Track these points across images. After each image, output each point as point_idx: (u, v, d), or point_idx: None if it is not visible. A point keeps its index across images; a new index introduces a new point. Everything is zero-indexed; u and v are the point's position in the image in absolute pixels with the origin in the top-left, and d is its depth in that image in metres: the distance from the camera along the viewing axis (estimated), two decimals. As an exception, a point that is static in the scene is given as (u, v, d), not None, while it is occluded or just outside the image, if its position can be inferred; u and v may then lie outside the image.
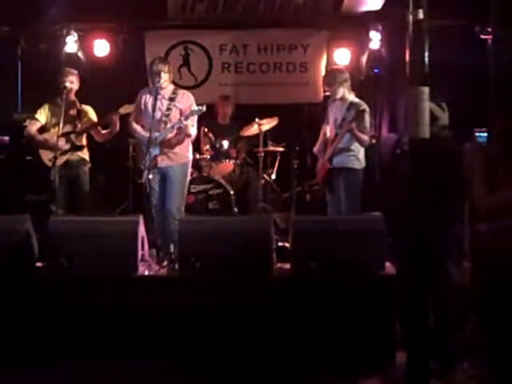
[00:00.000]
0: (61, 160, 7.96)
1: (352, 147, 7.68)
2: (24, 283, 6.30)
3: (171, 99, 7.66)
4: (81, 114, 8.24)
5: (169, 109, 7.62)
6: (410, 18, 5.38)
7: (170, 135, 7.56)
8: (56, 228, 6.41)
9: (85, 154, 8.31)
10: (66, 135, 8.04)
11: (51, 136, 8.06)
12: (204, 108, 7.54)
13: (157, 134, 7.48)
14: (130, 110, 7.90)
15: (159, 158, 7.53)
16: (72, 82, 8.19)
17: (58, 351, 6.07)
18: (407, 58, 5.37)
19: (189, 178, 7.92)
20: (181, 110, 7.63)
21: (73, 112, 8.19)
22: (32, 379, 5.80)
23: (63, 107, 7.91)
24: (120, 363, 5.94)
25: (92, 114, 8.35)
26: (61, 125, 7.83)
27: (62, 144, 7.98)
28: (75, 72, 8.35)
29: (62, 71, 8.27)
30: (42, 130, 8.26)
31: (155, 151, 7.49)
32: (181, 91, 7.82)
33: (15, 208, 9.37)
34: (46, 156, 8.08)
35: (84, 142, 8.29)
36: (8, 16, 9.77)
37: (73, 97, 8.26)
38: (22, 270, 6.35)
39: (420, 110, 5.21)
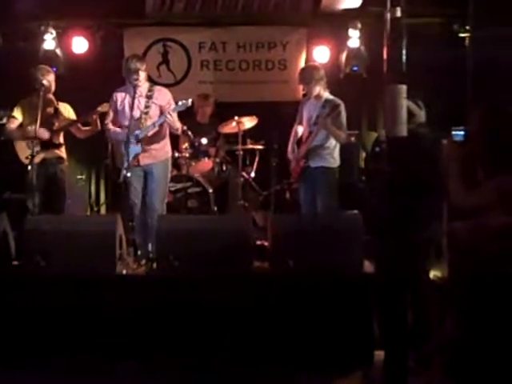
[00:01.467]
0: (37, 158, 7.90)
1: (327, 144, 7.65)
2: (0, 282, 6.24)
3: (148, 97, 7.62)
4: (58, 111, 8.18)
5: (147, 106, 7.59)
6: (388, 15, 5.38)
7: (151, 132, 7.52)
8: (32, 226, 6.38)
9: (62, 152, 8.26)
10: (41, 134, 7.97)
11: (28, 133, 7.99)
12: (189, 102, 7.51)
13: (137, 131, 7.44)
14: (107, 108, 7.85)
15: (141, 157, 7.51)
16: (48, 80, 8.11)
17: (33, 350, 6.04)
18: (384, 55, 5.37)
19: (169, 174, 7.90)
20: (160, 107, 7.60)
21: (49, 110, 8.13)
22: (5, 378, 5.76)
23: (40, 105, 7.85)
24: (97, 363, 5.93)
25: (70, 112, 8.29)
26: (37, 123, 7.78)
27: (38, 142, 7.91)
28: (51, 69, 8.30)
29: (38, 68, 8.18)
30: (19, 127, 8.19)
31: (136, 150, 7.45)
32: (156, 87, 7.80)
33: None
34: (23, 154, 8.04)
35: (61, 140, 8.24)
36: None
37: (50, 95, 8.19)
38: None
39: (397, 107, 5.20)
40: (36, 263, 6.17)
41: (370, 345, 5.95)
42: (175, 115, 7.56)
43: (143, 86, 7.63)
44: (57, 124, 8.12)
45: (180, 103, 7.49)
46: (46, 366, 5.90)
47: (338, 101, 7.69)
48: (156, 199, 7.58)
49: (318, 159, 7.69)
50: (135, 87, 7.51)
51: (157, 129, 7.56)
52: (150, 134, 7.51)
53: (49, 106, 8.15)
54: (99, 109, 7.95)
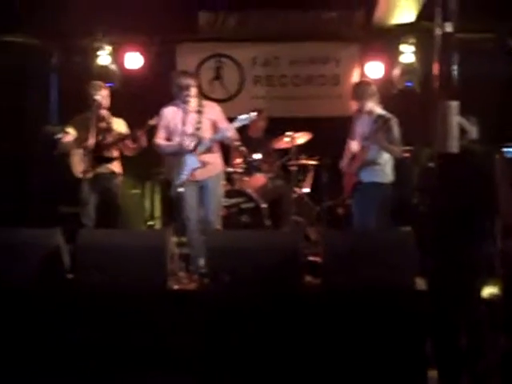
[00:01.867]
0: (91, 173, 7.99)
1: (379, 160, 7.59)
2: (54, 296, 6.29)
3: (199, 112, 7.60)
4: (111, 127, 8.24)
5: (199, 122, 7.56)
6: (439, 30, 5.35)
7: (208, 146, 7.54)
8: (85, 240, 6.42)
9: (116, 167, 8.29)
10: (96, 148, 8.05)
11: (82, 149, 8.08)
12: (253, 115, 7.51)
13: (196, 146, 7.46)
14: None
15: (198, 172, 7.53)
16: (102, 95, 8.18)
17: (87, 363, 6.06)
18: (435, 71, 5.33)
19: (223, 187, 7.94)
20: (212, 121, 7.59)
21: (102, 125, 8.18)
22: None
23: (93, 120, 7.94)
24: (149, 378, 5.92)
25: (122, 127, 8.32)
26: (91, 138, 7.87)
27: (92, 157, 8.01)
28: (105, 85, 8.37)
29: (91, 84, 8.26)
30: (75, 142, 8.27)
31: (194, 164, 7.48)
32: (205, 102, 7.79)
33: (49, 220, 9.46)
34: (77, 169, 8.12)
35: (115, 154, 8.27)
36: (42, 28, 9.89)
37: (103, 110, 8.25)
38: (53, 282, 6.35)
39: (449, 124, 5.17)
40: (89, 277, 6.20)
41: (423, 364, 5.85)
42: (232, 126, 7.55)
43: (193, 102, 7.62)
44: (109, 139, 8.17)
45: (244, 117, 7.45)
46: (98, 381, 5.92)
47: (390, 115, 7.63)
48: (212, 213, 7.60)
49: (369, 174, 7.63)
50: (186, 103, 7.53)
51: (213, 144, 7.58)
52: (207, 147, 7.52)
53: (102, 121, 8.21)
54: (150, 122, 7.96)
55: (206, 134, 7.56)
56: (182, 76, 7.61)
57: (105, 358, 6.09)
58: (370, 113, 7.71)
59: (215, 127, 7.59)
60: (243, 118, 7.45)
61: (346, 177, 7.94)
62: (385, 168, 7.63)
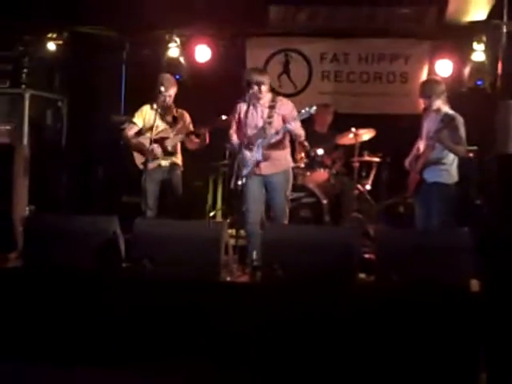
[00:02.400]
0: (153, 164, 8.10)
1: (444, 160, 7.47)
2: (109, 284, 6.38)
3: (271, 107, 7.61)
4: (176, 119, 8.31)
5: (270, 116, 7.58)
6: (504, 28, 5.26)
7: (273, 140, 7.54)
8: (141, 230, 6.49)
9: (177, 159, 8.38)
10: (159, 140, 8.15)
11: (145, 140, 8.17)
12: (313, 109, 7.41)
13: (260, 140, 7.49)
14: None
15: (262, 165, 7.54)
16: (168, 88, 8.23)
17: (137, 351, 6.12)
18: (499, 70, 5.24)
19: (290, 184, 7.88)
20: (283, 117, 7.58)
21: (168, 118, 8.27)
22: (108, 378, 5.86)
23: (158, 112, 8.04)
24: (200, 369, 5.93)
25: (187, 121, 8.39)
26: (154, 130, 7.99)
27: (155, 148, 8.09)
28: (173, 78, 8.43)
29: (161, 77, 8.34)
30: (139, 133, 8.37)
31: (257, 157, 7.49)
32: (279, 98, 7.77)
33: (111, 209, 9.60)
34: (139, 159, 8.23)
35: (177, 147, 8.35)
36: (113, 20, 10.04)
37: (170, 102, 8.32)
38: (108, 270, 6.44)
39: (510, 124, 5.08)
40: (142, 266, 6.27)
41: (475, 367, 5.76)
42: (298, 123, 7.55)
43: (266, 96, 7.64)
44: (173, 132, 8.24)
45: (303, 111, 7.42)
46: (147, 369, 5.96)
47: (456, 115, 7.52)
48: (278, 208, 7.63)
49: (433, 174, 7.53)
50: (258, 99, 7.56)
51: (279, 137, 7.56)
52: (272, 141, 7.52)
53: (168, 113, 8.29)
54: (215, 122, 8.06)
55: (276, 128, 7.56)
56: (254, 73, 7.64)
57: (156, 347, 6.16)
58: (438, 111, 7.61)
59: (286, 122, 7.57)
60: (303, 113, 7.42)
61: (410, 175, 7.85)
62: (450, 168, 7.51)
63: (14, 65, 10.21)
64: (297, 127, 7.54)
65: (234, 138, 7.76)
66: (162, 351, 6.12)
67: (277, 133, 7.50)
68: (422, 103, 7.86)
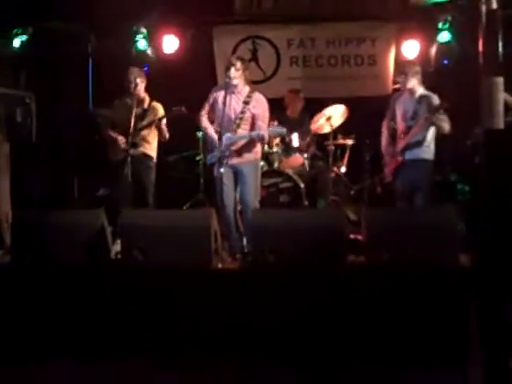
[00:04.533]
0: (121, 156, 8.16)
1: (426, 138, 7.64)
2: (100, 277, 6.37)
3: (246, 102, 7.69)
4: (147, 111, 8.31)
5: (243, 112, 7.67)
6: (483, 8, 5.34)
7: (240, 142, 7.64)
8: (129, 221, 6.50)
9: (148, 150, 8.40)
10: (128, 132, 8.14)
11: (116, 132, 8.27)
12: (284, 131, 7.79)
13: (228, 134, 7.56)
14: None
15: (229, 156, 7.61)
16: (136, 80, 8.28)
17: (131, 344, 6.13)
18: (480, 48, 5.33)
19: (259, 173, 7.98)
20: (254, 115, 7.67)
21: (138, 110, 8.26)
22: (104, 371, 5.88)
23: (127, 105, 8.19)
24: (193, 357, 5.94)
25: (159, 112, 8.41)
26: (126, 122, 8.09)
27: (120, 141, 8.19)
28: (140, 70, 8.46)
29: (129, 70, 8.38)
30: (113, 126, 8.39)
31: (224, 150, 7.55)
32: (255, 95, 7.79)
33: (87, 203, 9.59)
34: (111, 152, 8.30)
35: (149, 138, 8.39)
36: (78, 13, 9.97)
37: (140, 94, 8.35)
38: (98, 263, 6.43)
39: (494, 100, 5.18)
40: (133, 257, 6.28)
41: (466, 341, 5.86)
42: (265, 126, 7.72)
43: (243, 89, 7.72)
44: (143, 123, 8.26)
45: (278, 129, 7.81)
46: (142, 361, 5.95)
47: (432, 94, 7.64)
48: (248, 197, 7.67)
49: (417, 152, 7.68)
50: (232, 86, 7.61)
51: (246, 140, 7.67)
52: (238, 143, 7.64)
53: (139, 105, 8.28)
54: (170, 114, 8.19)
55: (245, 125, 7.68)
56: (232, 57, 7.76)
57: (150, 338, 6.17)
58: (412, 92, 7.72)
59: (254, 121, 7.67)
60: (274, 130, 7.76)
61: (386, 157, 7.94)
62: (430, 145, 7.68)
63: (-21, 63, 10.14)
64: (266, 132, 7.66)
65: (204, 120, 7.84)
66: (158, 342, 6.14)
67: (246, 136, 7.62)
68: (395, 84, 7.94)
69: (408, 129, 7.67)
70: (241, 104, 7.67)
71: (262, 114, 7.68)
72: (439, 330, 5.89)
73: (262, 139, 7.71)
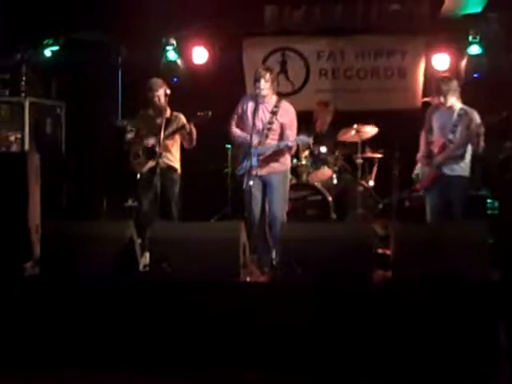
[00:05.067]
0: (146, 167, 8.19)
1: (465, 154, 7.59)
2: (129, 289, 6.38)
3: (273, 112, 7.68)
4: (169, 122, 8.21)
5: (271, 122, 7.66)
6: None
7: (268, 153, 7.63)
8: (158, 233, 6.51)
9: (171, 161, 8.32)
10: (152, 144, 8.16)
11: (139, 144, 8.27)
12: (311, 140, 7.82)
13: (259, 148, 7.56)
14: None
15: (259, 167, 7.59)
16: (156, 90, 8.25)
17: (161, 354, 6.14)
18: (512, 61, 5.28)
19: (288, 184, 7.96)
20: (282, 124, 7.65)
21: (159, 120, 8.21)
22: (134, 379, 5.90)
23: (152, 117, 8.24)
24: (223, 369, 5.96)
25: (181, 122, 8.28)
26: (147, 134, 8.17)
27: (149, 153, 8.16)
28: (159, 80, 8.39)
29: (150, 82, 8.34)
30: (136, 137, 8.38)
31: (253, 162, 7.53)
32: (283, 104, 7.78)
33: (115, 214, 9.62)
34: (137, 164, 8.31)
35: (172, 149, 8.32)
36: (109, 24, 10.04)
37: (161, 104, 8.29)
38: (127, 275, 6.44)
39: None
40: (162, 270, 6.28)
41: (496, 356, 5.81)
42: (294, 135, 7.69)
43: (271, 99, 7.71)
44: (169, 131, 8.16)
45: (304, 138, 7.74)
46: (169, 373, 5.98)
47: (473, 110, 7.59)
48: (276, 208, 7.66)
49: (456, 168, 7.62)
50: (259, 97, 7.61)
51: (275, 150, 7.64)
52: (267, 153, 7.61)
53: (160, 116, 8.24)
54: (196, 118, 8.06)
55: (274, 135, 7.66)
56: (260, 68, 7.73)
57: (177, 348, 6.17)
58: (451, 107, 7.66)
59: (283, 130, 7.66)
60: (300, 139, 7.71)
61: (424, 168, 7.84)
62: (468, 162, 7.63)
63: (11, 73, 10.20)
64: (294, 142, 7.67)
65: (235, 130, 7.84)
66: (184, 354, 6.14)
67: (276, 146, 7.61)
68: (435, 100, 7.85)
69: (448, 142, 7.60)
70: (268, 114, 7.67)
71: (289, 123, 7.66)
72: (469, 346, 5.84)
73: (289, 149, 7.69)
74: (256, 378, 5.85)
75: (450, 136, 7.57)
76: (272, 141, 7.66)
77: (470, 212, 7.91)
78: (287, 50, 10.69)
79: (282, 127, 7.65)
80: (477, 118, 7.51)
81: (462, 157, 7.60)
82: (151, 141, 8.12)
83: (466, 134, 7.49)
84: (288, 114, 7.72)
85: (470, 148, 7.59)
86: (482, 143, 7.45)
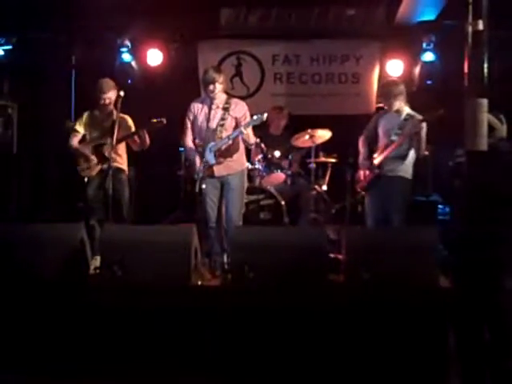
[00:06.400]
0: (94, 170, 8.12)
1: (407, 156, 7.64)
2: (78, 291, 6.31)
3: (225, 109, 7.61)
4: (114, 124, 8.04)
5: (223, 118, 7.59)
6: (470, 28, 5.35)
7: (225, 146, 7.54)
8: (109, 236, 6.45)
9: (119, 163, 8.25)
10: (98, 147, 8.12)
11: (85, 147, 8.20)
12: (264, 116, 7.41)
13: (212, 143, 7.49)
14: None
15: (216, 168, 7.54)
16: (106, 91, 8.16)
17: (110, 359, 6.08)
18: (465, 69, 5.33)
19: (246, 185, 7.92)
20: (236, 119, 7.60)
21: (107, 124, 8.17)
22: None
23: (100, 119, 8.16)
24: (171, 373, 5.92)
25: (127, 124, 8.25)
26: (93, 136, 8.15)
27: (95, 155, 8.12)
28: (111, 81, 8.29)
29: (100, 83, 8.23)
30: (83, 140, 8.31)
31: (210, 160, 7.48)
32: (234, 100, 7.76)
33: (65, 215, 9.51)
34: (81, 167, 8.22)
35: (120, 151, 8.26)
36: (63, 24, 9.95)
37: (110, 108, 8.23)
38: (77, 277, 6.37)
39: (478, 121, 5.18)
40: (112, 273, 6.22)
41: (445, 360, 5.85)
42: (250, 129, 7.56)
43: (220, 97, 7.64)
44: (113, 137, 8.01)
45: (255, 117, 7.43)
46: (120, 376, 5.93)
47: (417, 115, 7.65)
48: (233, 210, 7.60)
49: (396, 169, 7.67)
50: (211, 98, 7.55)
51: (231, 142, 7.56)
52: (223, 147, 7.53)
53: (107, 119, 8.21)
54: (149, 126, 8.04)
55: (228, 131, 7.58)
56: (208, 70, 7.61)
57: (126, 353, 6.11)
58: (398, 111, 7.72)
59: (237, 125, 7.60)
60: (254, 119, 7.45)
61: (362, 170, 7.91)
62: (410, 164, 7.67)
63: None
64: (248, 135, 7.58)
65: (187, 142, 7.75)
66: (135, 357, 6.09)
67: (228, 138, 7.50)
68: (374, 103, 7.93)
69: (389, 143, 7.65)
70: (220, 111, 7.61)
71: (243, 117, 7.61)
72: (418, 349, 5.89)
73: (245, 140, 7.64)
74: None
75: (393, 137, 7.64)
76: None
77: (420, 218, 7.98)
78: (242, 53, 10.69)
79: (237, 122, 7.59)
80: (422, 124, 7.56)
81: (403, 158, 7.66)
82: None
83: (406, 134, 7.54)
84: (240, 108, 7.68)
85: (412, 152, 7.65)
86: (423, 146, 7.53)
